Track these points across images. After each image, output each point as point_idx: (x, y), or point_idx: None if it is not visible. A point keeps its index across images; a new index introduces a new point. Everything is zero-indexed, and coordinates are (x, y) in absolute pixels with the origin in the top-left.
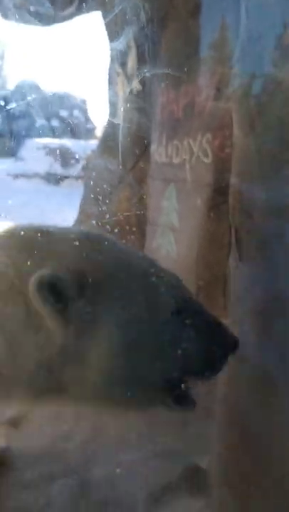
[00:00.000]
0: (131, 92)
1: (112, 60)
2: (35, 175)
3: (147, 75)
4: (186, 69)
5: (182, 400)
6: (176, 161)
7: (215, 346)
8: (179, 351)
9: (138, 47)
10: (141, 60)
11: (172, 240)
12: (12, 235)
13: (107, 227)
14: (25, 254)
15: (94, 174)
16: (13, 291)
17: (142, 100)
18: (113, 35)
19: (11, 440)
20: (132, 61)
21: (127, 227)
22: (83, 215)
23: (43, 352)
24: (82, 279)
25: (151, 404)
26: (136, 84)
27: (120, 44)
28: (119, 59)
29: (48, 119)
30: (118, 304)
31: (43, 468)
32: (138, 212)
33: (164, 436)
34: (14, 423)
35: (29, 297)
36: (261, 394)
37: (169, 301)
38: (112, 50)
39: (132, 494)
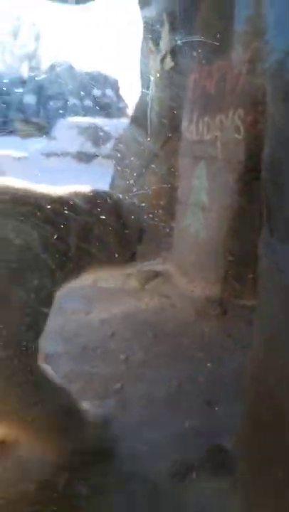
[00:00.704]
0: (163, 68)
1: (145, 38)
2: (67, 154)
3: (179, 43)
4: (219, 43)
5: None
6: (207, 138)
7: None
8: None
9: (171, 22)
10: (174, 33)
11: (202, 219)
12: None
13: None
14: None
15: (124, 152)
16: None
17: (174, 77)
18: (145, 4)
19: None
20: (165, 35)
21: (155, 203)
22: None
23: None
24: None
25: None
26: (168, 61)
27: (152, 14)
28: (153, 34)
29: (81, 99)
30: None
31: None
32: (167, 189)
33: (188, 416)
34: None
35: None
36: None
37: None
38: (145, 23)
39: (156, 472)
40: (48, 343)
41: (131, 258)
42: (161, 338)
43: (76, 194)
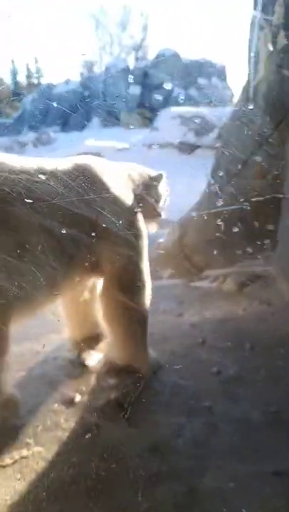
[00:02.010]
0: (275, 47)
1: (254, 14)
2: (169, 144)
3: None
4: None
5: None
6: None
7: None
8: None
9: None
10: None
11: None
12: None
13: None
14: None
15: (228, 141)
16: None
17: (285, 57)
18: None
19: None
20: (279, 9)
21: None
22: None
23: None
24: None
25: None
26: (281, 38)
27: None
28: (264, 9)
29: (186, 88)
30: None
31: (151, 465)
32: (272, 182)
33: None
34: None
35: None
36: None
37: None
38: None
39: None
40: None
41: (158, 215)
42: (259, 351)
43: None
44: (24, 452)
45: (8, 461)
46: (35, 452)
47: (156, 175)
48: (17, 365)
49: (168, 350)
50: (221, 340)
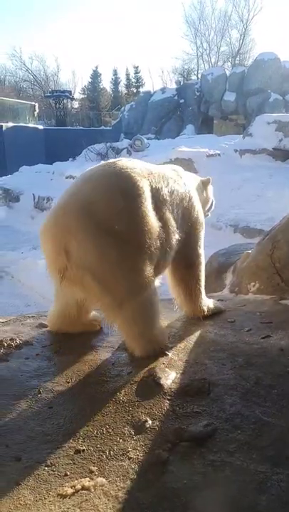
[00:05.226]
0: None
1: None
2: (263, 150)
3: None
4: None
5: None
6: None
7: None
8: None
9: None
10: None
11: None
12: None
13: None
14: None
15: None
16: None
17: None
18: None
19: None
20: None
21: None
22: None
23: None
24: None
25: None
26: None
27: None
28: None
29: (283, 93)
30: None
31: None
32: None
33: None
34: None
35: None
36: None
37: None
38: None
39: None
40: (215, 369)
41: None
42: None
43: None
44: (86, 482)
45: (68, 490)
46: (98, 484)
47: (205, 179)
48: (90, 378)
49: (252, 377)
50: None
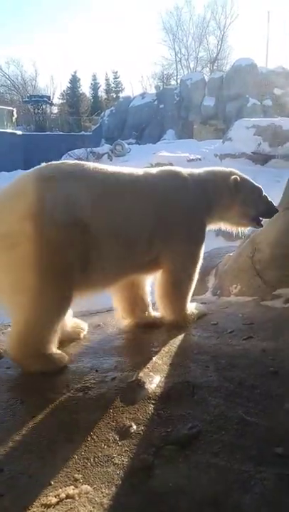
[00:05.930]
0: None
1: None
2: (242, 155)
3: None
4: None
5: None
6: None
7: None
8: None
9: None
10: None
11: None
12: None
13: None
14: None
15: None
16: None
17: None
18: None
19: None
20: None
21: None
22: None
23: None
24: None
25: None
26: None
27: None
28: None
29: (261, 98)
30: None
31: None
32: None
33: None
34: None
35: None
36: None
37: None
38: None
39: None
40: (199, 371)
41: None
42: None
43: None
44: (71, 490)
45: (53, 500)
46: (83, 492)
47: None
48: (75, 383)
49: (235, 379)
50: None
